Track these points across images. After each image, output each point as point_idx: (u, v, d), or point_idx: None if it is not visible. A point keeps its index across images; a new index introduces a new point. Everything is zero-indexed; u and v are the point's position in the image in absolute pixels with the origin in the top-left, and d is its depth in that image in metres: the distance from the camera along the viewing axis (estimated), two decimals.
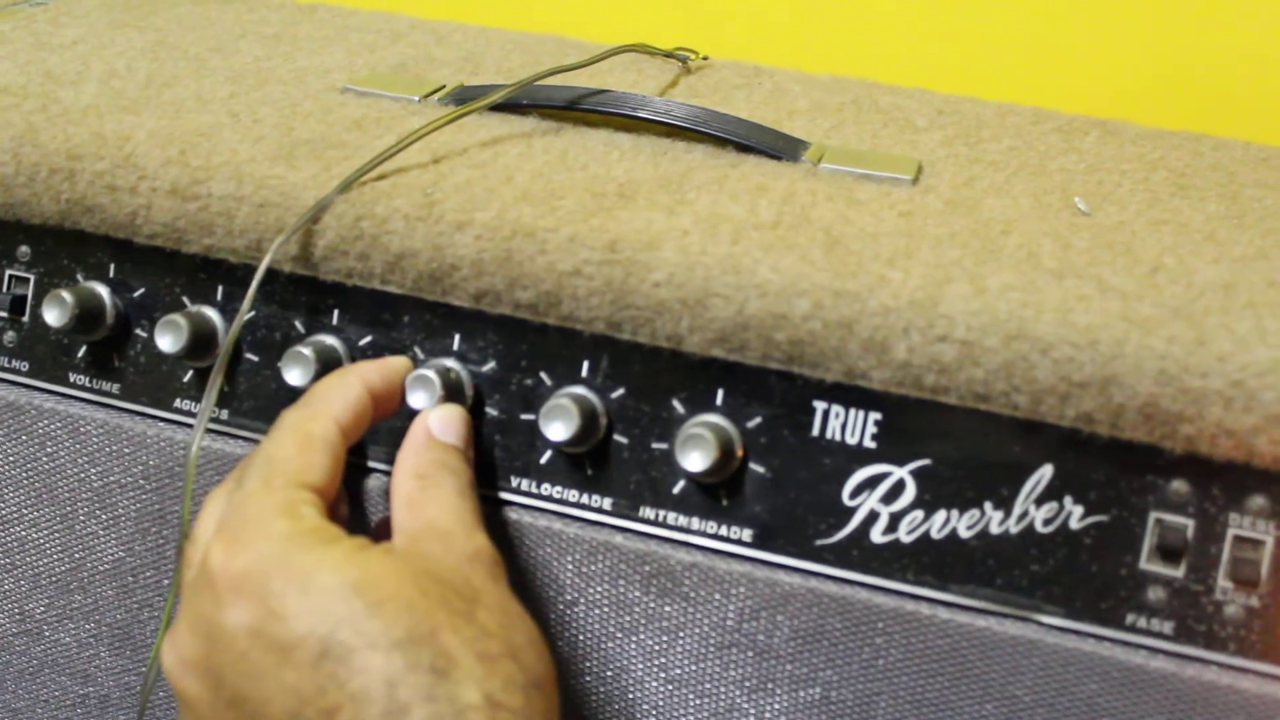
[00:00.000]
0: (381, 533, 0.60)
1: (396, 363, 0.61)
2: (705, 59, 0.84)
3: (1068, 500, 0.57)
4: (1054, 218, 0.65)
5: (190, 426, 0.66)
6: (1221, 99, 1.02)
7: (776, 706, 0.61)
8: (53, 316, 0.64)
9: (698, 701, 0.62)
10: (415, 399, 0.60)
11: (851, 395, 0.58)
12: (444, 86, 0.75)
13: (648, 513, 0.60)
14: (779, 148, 0.68)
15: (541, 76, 0.71)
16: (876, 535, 0.58)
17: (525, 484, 0.62)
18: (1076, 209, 0.66)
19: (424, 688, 0.49)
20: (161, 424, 0.66)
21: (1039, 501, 0.57)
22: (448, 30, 0.87)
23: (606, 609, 0.62)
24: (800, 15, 1.07)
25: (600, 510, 0.61)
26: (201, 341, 0.63)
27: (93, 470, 0.67)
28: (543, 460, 0.61)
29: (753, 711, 0.62)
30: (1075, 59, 1.04)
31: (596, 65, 0.79)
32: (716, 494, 0.60)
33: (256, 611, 0.52)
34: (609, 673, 0.63)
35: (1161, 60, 1.03)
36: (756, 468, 0.59)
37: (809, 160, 0.68)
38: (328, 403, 0.58)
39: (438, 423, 0.59)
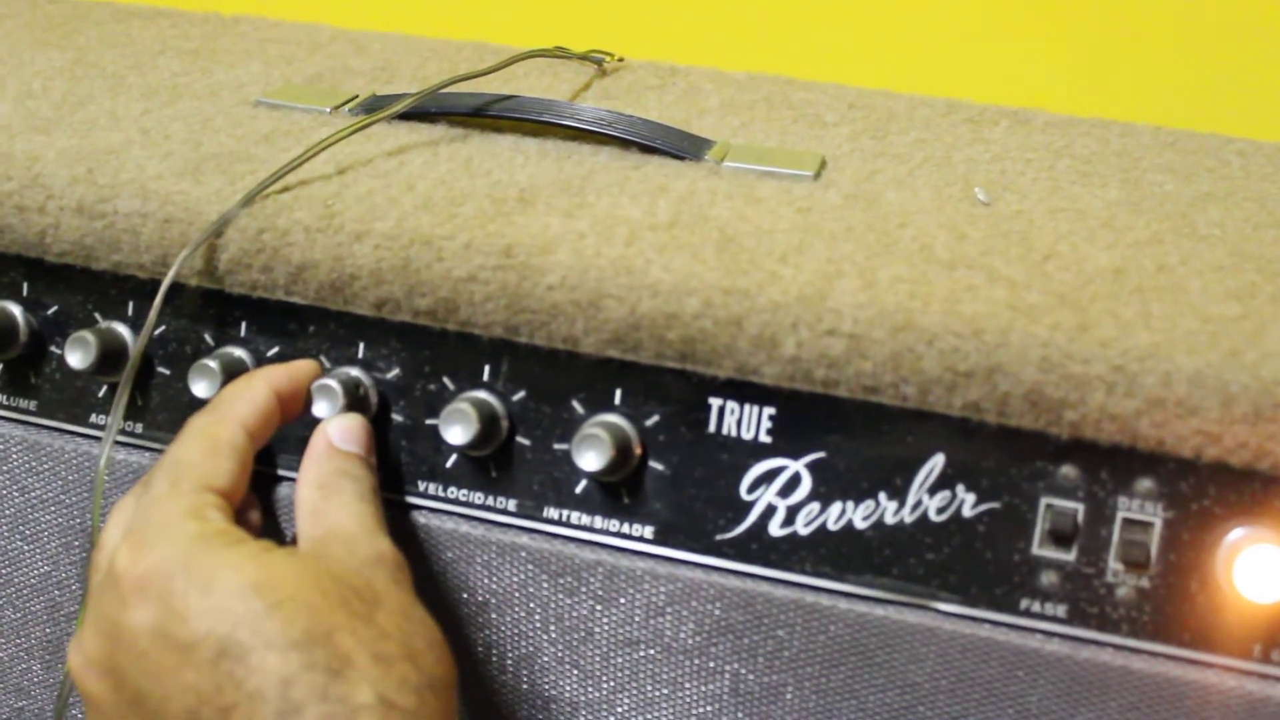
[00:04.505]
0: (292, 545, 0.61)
1: (303, 366, 0.62)
2: (620, 60, 0.85)
3: (960, 488, 0.57)
4: (952, 209, 0.65)
5: None
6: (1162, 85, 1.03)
7: (687, 699, 0.62)
8: None
9: (612, 697, 0.63)
10: (318, 408, 0.60)
11: (746, 391, 0.59)
12: (356, 97, 0.75)
13: (551, 513, 0.61)
14: (683, 148, 0.69)
15: (448, 84, 0.72)
16: (775, 528, 0.59)
17: (432, 488, 0.62)
18: (976, 200, 0.67)
19: (318, 687, 0.50)
20: (79, 439, 0.67)
21: (932, 490, 0.58)
22: (368, 40, 0.88)
23: (518, 609, 0.63)
24: (720, 14, 1.08)
25: (505, 512, 0.62)
26: (112, 357, 0.64)
27: (14, 487, 0.68)
28: (448, 464, 0.62)
29: (666, 705, 0.62)
30: (994, 48, 1.04)
31: (510, 70, 0.80)
32: (618, 492, 0.60)
33: (159, 611, 0.53)
34: (524, 671, 0.64)
35: (1088, 46, 1.04)
36: (656, 465, 0.60)
37: (712, 159, 0.69)
38: (234, 407, 0.59)
39: (337, 432, 0.59)
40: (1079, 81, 1.03)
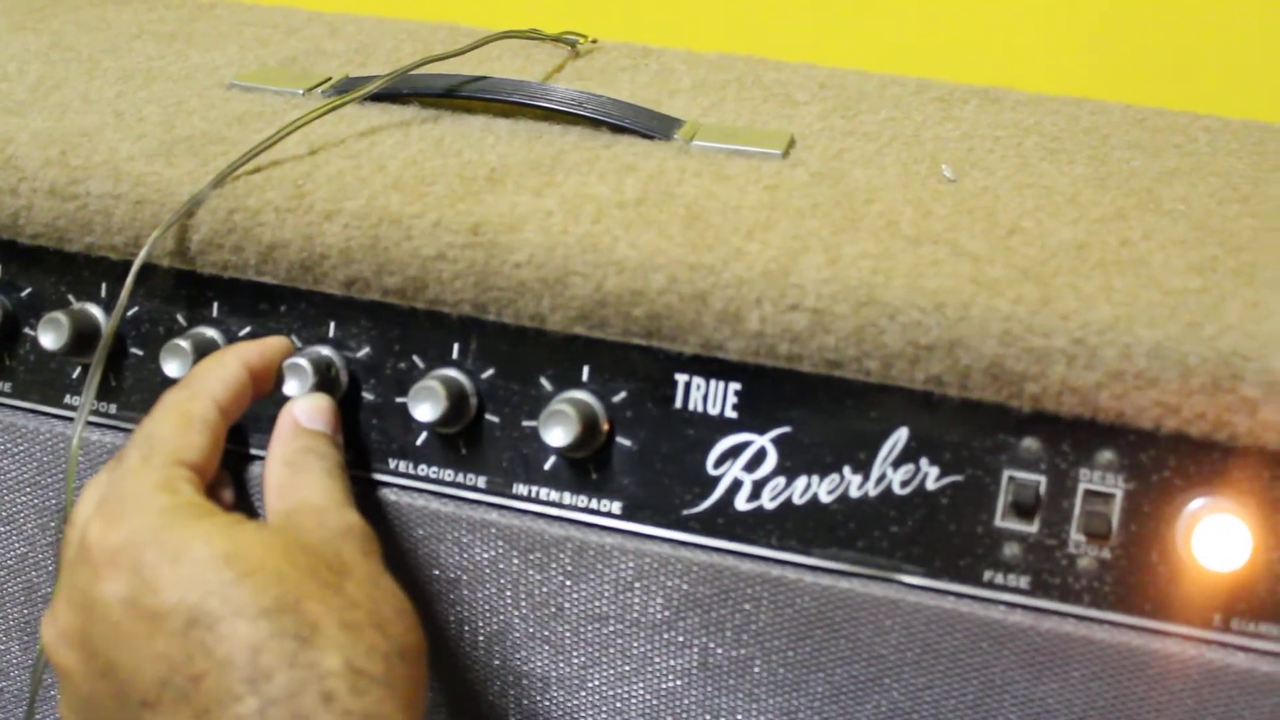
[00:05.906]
0: None
1: (275, 342, 0.63)
2: (594, 42, 0.85)
3: (923, 461, 0.58)
4: (919, 186, 0.66)
5: None
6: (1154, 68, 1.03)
7: (657, 673, 0.63)
8: None
9: (583, 672, 0.63)
10: (289, 387, 0.61)
11: (711, 367, 0.59)
12: (329, 79, 0.76)
13: (521, 489, 0.62)
14: (652, 127, 0.70)
15: (421, 64, 0.72)
16: (741, 503, 0.60)
17: (403, 465, 0.63)
18: (943, 176, 0.67)
19: (287, 654, 0.51)
20: (54, 420, 0.67)
21: (896, 464, 0.58)
22: (342, 22, 0.88)
23: (489, 585, 0.63)
24: None
25: (475, 489, 0.62)
26: (84, 338, 0.65)
27: None
28: (418, 442, 0.63)
29: (636, 679, 0.63)
30: (970, 28, 1.05)
31: (484, 51, 0.80)
32: (586, 469, 0.61)
33: (130, 582, 0.53)
34: (496, 647, 0.64)
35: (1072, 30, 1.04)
36: (623, 441, 0.60)
37: (681, 138, 0.69)
38: (207, 383, 0.60)
39: (303, 411, 0.60)
40: (1055, 61, 1.04)
